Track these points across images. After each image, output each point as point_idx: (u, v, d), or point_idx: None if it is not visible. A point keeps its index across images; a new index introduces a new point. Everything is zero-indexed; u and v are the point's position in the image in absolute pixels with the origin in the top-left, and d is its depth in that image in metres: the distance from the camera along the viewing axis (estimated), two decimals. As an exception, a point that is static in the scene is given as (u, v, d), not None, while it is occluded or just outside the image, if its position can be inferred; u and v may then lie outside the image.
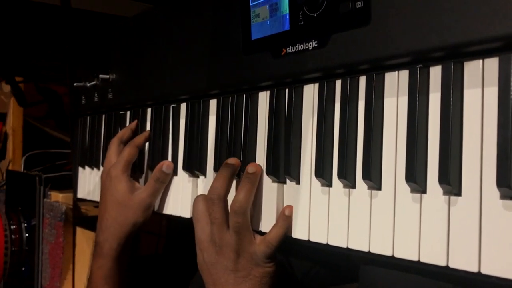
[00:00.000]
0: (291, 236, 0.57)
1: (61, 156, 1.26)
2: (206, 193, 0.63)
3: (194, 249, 0.64)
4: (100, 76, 0.88)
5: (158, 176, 0.74)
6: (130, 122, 0.85)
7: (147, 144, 0.81)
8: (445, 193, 0.44)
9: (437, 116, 0.45)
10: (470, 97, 0.43)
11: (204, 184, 0.70)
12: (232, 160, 0.63)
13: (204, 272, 0.62)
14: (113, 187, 0.75)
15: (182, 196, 0.73)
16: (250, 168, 0.60)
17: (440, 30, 0.43)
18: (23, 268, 1.15)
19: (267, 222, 0.59)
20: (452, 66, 0.44)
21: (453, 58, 0.44)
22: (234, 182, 0.63)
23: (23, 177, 1.17)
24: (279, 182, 0.59)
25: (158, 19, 0.78)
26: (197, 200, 0.63)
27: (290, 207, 0.57)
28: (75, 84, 0.95)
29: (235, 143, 0.64)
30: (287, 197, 0.58)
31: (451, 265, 0.43)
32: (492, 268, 0.40)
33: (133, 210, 0.73)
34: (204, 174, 0.70)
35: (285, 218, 0.57)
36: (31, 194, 1.09)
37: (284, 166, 0.58)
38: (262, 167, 0.61)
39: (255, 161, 0.62)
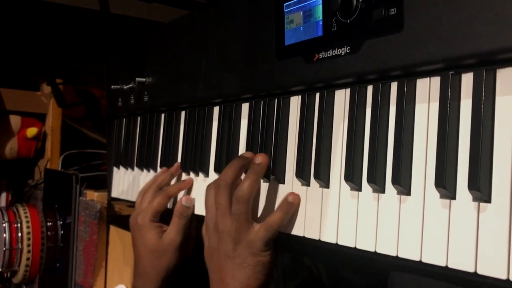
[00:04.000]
0: (320, 239, 0.58)
1: (97, 157, 1.30)
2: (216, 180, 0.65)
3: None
4: (137, 79, 0.90)
5: (180, 212, 0.75)
6: (164, 125, 0.88)
7: (180, 144, 0.83)
8: (474, 199, 0.44)
9: (468, 123, 0.45)
10: (502, 104, 0.43)
11: (234, 186, 0.71)
12: (246, 154, 0.66)
13: (207, 258, 0.64)
14: (142, 236, 0.76)
15: (213, 198, 0.75)
16: (257, 159, 0.63)
17: (473, 37, 0.43)
18: (58, 264, 1.18)
19: (295, 224, 0.60)
20: (484, 73, 0.44)
21: (486, 65, 0.44)
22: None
23: (60, 175, 1.20)
24: (308, 185, 0.60)
25: (193, 25, 0.80)
26: (208, 188, 0.65)
27: (294, 194, 0.59)
28: (112, 86, 0.98)
29: (266, 146, 0.66)
30: (316, 201, 0.59)
31: (479, 272, 0.43)
32: (521, 276, 0.40)
33: (165, 254, 0.75)
34: (235, 176, 0.71)
35: (288, 204, 0.59)
36: (67, 192, 1.12)
37: (314, 170, 0.59)
38: (293, 170, 0.62)
39: (285, 164, 0.63)
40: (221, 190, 0.62)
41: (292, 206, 0.59)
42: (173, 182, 0.82)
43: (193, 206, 0.76)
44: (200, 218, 0.78)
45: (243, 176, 0.65)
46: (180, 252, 0.76)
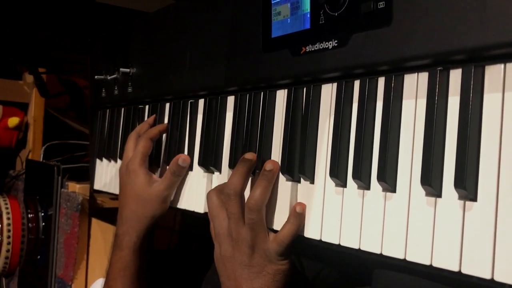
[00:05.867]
0: (303, 235, 0.57)
1: (80, 148, 1.28)
2: (217, 187, 0.64)
3: (207, 245, 0.64)
4: (121, 69, 0.89)
5: (174, 169, 0.74)
6: (148, 116, 0.86)
7: (164, 137, 0.82)
8: (460, 197, 0.43)
9: (455, 120, 0.44)
10: (490, 101, 0.42)
11: (219, 180, 0.70)
12: (249, 155, 0.63)
13: (219, 265, 0.62)
14: (131, 181, 0.76)
15: (197, 192, 0.73)
16: (268, 165, 0.60)
17: (462, 32, 0.43)
18: (39, 256, 1.16)
19: (280, 220, 0.59)
20: (473, 70, 0.43)
21: (474, 62, 0.43)
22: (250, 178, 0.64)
23: (42, 166, 1.18)
24: (293, 180, 0.59)
25: (179, 15, 0.78)
26: (210, 194, 0.63)
27: (301, 204, 0.57)
28: (96, 76, 0.96)
29: (251, 140, 0.65)
30: (301, 196, 0.58)
31: (463, 271, 0.42)
32: (506, 275, 0.40)
33: (151, 203, 0.75)
34: (219, 170, 0.70)
35: (297, 215, 0.57)
36: (49, 183, 1.10)
37: (299, 165, 0.58)
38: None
39: (270, 159, 0.62)
40: (231, 199, 0.60)
41: (301, 216, 0.57)
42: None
43: (188, 166, 0.75)
44: (184, 212, 0.77)
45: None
46: (165, 205, 0.76)
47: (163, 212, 0.76)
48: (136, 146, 0.78)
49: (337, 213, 0.53)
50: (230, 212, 0.60)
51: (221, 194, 0.62)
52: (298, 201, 0.58)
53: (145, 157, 0.77)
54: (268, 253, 0.58)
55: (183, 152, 0.77)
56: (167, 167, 0.77)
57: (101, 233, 1.03)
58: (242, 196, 0.61)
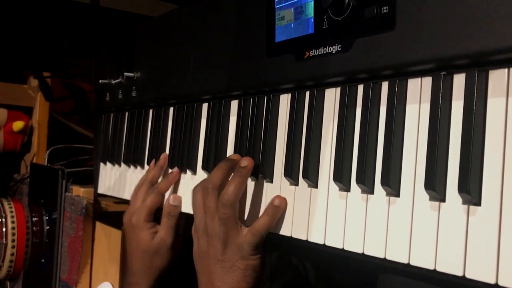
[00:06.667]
0: (307, 240, 0.57)
1: (84, 152, 1.28)
2: (202, 183, 0.65)
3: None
4: (125, 74, 0.89)
5: (168, 211, 0.75)
6: (152, 121, 0.86)
7: (168, 141, 0.82)
8: (464, 202, 0.43)
9: (459, 124, 0.44)
10: (494, 106, 0.42)
11: (222, 184, 0.70)
12: (233, 156, 0.65)
13: (196, 260, 0.64)
14: (136, 236, 0.77)
15: (200, 195, 0.73)
16: (242, 162, 0.62)
17: (465, 37, 0.43)
18: (43, 260, 1.16)
19: (283, 224, 0.59)
20: (477, 74, 0.43)
21: (478, 66, 0.43)
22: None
23: (47, 170, 1.19)
24: (296, 185, 0.59)
25: (182, 20, 0.78)
26: (195, 190, 0.65)
27: (280, 198, 0.59)
28: (100, 81, 0.96)
29: (255, 144, 0.65)
30: (305, 200, 0.58)
31: (467, 276, 0.42)
32: (510, 280, 0.40)
33: (158, 255, 0.76)
34: (223, 174, 0.70)
35: (274, 207, 0.58)
36: (53, 187, 1.11)
37: (302, 169, 0.58)
38: (281, 169, 0.61)
39: (273, 163, 0.62)
40: (209, 193, 0.62)
41: (278, 209, 0.59)
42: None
43: (180, 204, 0.76)
44: (188, 216, 0.77)
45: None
46: (173, 251, 0.77)
47: (171, 260, 0.77)
48: (145, 198, 0.78)
49: (340, 217, 0.53)
50: (207, 206, 0.62)
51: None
52: (301, 205, 0.58)
53: (151, 212, 0.77)
54: (240, 247, 0.59)
55: (185, 154, 0.77)
56: (169, 172, 0.77)
57: (105, 237, 1.03)
58: (219, 191, 0.62)
